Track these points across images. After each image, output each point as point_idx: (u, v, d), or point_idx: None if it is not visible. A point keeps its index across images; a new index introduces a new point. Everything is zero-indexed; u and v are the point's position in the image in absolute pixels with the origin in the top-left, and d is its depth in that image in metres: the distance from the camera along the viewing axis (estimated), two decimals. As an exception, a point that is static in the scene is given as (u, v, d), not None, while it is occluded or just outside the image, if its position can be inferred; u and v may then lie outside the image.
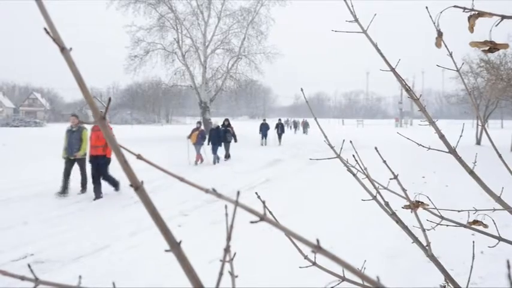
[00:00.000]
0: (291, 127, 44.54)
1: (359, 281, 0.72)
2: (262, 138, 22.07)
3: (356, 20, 1.12)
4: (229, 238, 0.33)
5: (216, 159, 13.71)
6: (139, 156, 0.40)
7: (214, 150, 13.61)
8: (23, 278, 0.37)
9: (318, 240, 0.30)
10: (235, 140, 15.17)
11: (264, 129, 22.25)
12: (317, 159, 1.13)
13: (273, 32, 29.33)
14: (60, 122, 63.43)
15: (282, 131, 22.94)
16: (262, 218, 0.32)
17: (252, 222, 0.32)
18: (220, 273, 0.35)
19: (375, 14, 1.25)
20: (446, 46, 0.96)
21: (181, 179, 0.36)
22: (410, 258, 4.35)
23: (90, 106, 0.36)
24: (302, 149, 19.72)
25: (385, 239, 5.03)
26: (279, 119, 24.16)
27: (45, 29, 0.35)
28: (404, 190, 0.85)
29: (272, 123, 25.48)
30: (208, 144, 13.80)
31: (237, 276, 0.38)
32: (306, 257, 0.83)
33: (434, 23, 0.76)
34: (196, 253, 4.14)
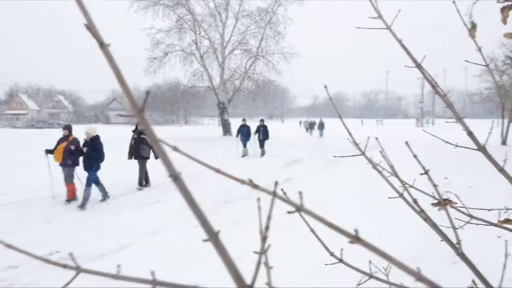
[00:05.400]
0: (307, 129, 40.02)
1: (394, 274, 0.71)
2: (244, 146, 15.44)
3: (380, 16, 1.11)
4: (267, 228, 0.34)
5: (88, 195, 7.17)
6: (175, 148, 0.41)
7: (90, 179, 7.33)
8: (65, 266, 0.38)
9: (356, 231, 0.30)
10: (155, 155, 7.96)
11: (244, 133, 15.45)
12: (341, 156, 1.12)
13: (290, 32, 29.05)
14: (83, 124, 65.11)
15: (266, 136, 15.79)
16: (299, 208, 0.32)
17: (289, 212, 0.32)
18: (258, 263, 0.35)
19: (399, 10, 1.23)
20: (475, 41, 0.94)
21: (217, 171, 0.36)
22: (433, 259, 4.27)
23: (128, 99, 0.37)
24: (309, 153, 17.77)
25: (407, 239, 4.94)
26: (261, 120, 16.54)
27: (85, 25, 0.37)
28: (435, 186, 0.84)
29: (291, 124, 19.14)
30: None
31: (271, 268, 0.38)
32: (332, 254, 0.82)
33: (463, 16, 0.75)
34: (215, 253, 4.16)
